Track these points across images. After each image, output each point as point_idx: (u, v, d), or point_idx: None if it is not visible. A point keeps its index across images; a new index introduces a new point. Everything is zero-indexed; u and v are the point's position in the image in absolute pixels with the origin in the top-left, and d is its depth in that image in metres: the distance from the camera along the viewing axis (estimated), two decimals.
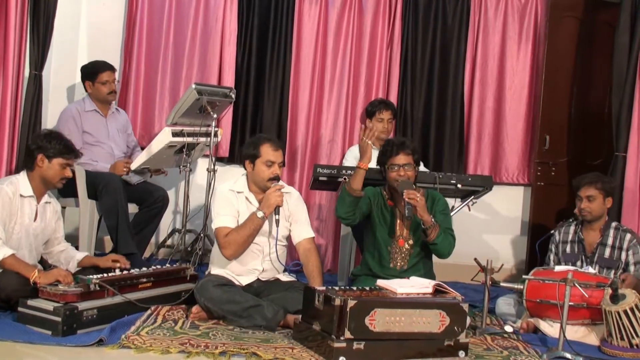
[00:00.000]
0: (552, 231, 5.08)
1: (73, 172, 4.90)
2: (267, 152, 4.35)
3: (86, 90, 5.62)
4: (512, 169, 6.58)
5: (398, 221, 4.61)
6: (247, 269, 4.41)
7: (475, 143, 6.59)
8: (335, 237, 6.43)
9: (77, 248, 4.73)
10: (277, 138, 5.10)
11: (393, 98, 6.43)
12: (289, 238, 4.59)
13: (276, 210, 4.30)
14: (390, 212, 4.63)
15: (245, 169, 4.45)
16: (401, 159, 4.49)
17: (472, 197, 5.51)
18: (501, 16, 6.55)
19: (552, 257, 5.04)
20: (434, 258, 4.73)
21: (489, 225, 6.65)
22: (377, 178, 4.75)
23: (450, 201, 5.20)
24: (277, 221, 4.31)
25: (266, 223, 4.37)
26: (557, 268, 4.55)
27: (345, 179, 4.98)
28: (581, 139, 6.38)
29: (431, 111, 6.57)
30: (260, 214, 4.25)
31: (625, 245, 4.81)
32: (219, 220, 4.34)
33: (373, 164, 4.62)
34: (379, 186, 4.74)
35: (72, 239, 5.11)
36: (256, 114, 6.50)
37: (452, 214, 4.93)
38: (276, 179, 4.36)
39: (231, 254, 4.30)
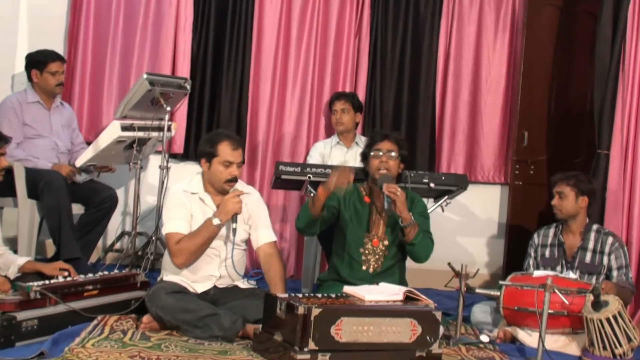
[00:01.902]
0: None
1: (11, 169, 4.84)
2: (225, 151, 4.30)
3: (30, 80, 5.56)
4: (488, 167, 6.62)
5: (374, 219, 4.62)
6: (203, 275, 4.37)
7: (449, 139, 6.61)
8: (298, 240, 6.44)
9: (15, 252, 4.66)
10: (236, 135, 5.03)
11: (361, 91, 6.45)
12: (248, 242, 4.56)
13: (234, 218, 4.28)
14: (366, 208, 4.64)
15: (201, 167, 4.41)
16: (385, 144, 4.54)
17: (446, 197, 5.52)
18: (477, 4, 6.58)
19: (530, 261, 5.05)
20: (407, 263, 4.73)
21: (464, 228, 6.67)
22: (357, 178, 4.74)
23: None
24: (234, 230, 4.29)
25: (224, 225, 4.34)
26: (536, 273, 4.56)
27: (311, 194, 5.01)
28: (562, 135, 6.40)
29: (402, 105, 6.57)
30: (216, 221, 4.21)
31: (607, 250, 4.84)
32: (170, 225, 4.31)
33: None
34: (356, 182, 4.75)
35: (11, 242, 5.05)
36: (213, 107, 6.46)
37: None
38: (234, 180, 4.34)
39: (182, 262, 4.28)
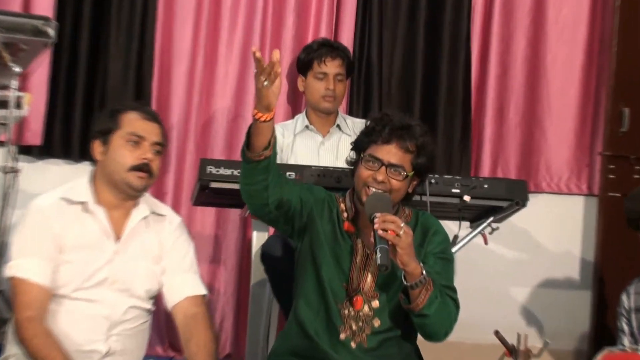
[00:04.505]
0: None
1: None
2: (132, 122, 4.09)
3: None
4: (558, 168, 6.37)
5: (358, 261, 4.01)
6: (78, 350, 3.94)
7: (494, 123, 6.35)
8: (239, 292, 6.14)
9: None
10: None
11: (346, 40, 6.15)
12: (159, 298, 4.30)
13: None
14: (347, 242, 4.01)
15: (94, 159, 4.15)
16: (391, 152, 3.90)
17: (491, 218, 5.11)
18: None
19: (625, 332, 4.95)
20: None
21: (521, 270, 6.39)
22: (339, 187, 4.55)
23: (451, 226, 4.83)
24: None
25: (120, 263, 3.98)
26: None
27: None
28: None
29: (414, 65, 6.31)
30: None
31: None
32: (20, 264, 3.97)
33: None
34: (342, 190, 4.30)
35: None
36: (95, 69, 6.11)
37: (454, 250, 4.63)
38: (144, 168, 4.02)
39: (19, 340, 3.93)
